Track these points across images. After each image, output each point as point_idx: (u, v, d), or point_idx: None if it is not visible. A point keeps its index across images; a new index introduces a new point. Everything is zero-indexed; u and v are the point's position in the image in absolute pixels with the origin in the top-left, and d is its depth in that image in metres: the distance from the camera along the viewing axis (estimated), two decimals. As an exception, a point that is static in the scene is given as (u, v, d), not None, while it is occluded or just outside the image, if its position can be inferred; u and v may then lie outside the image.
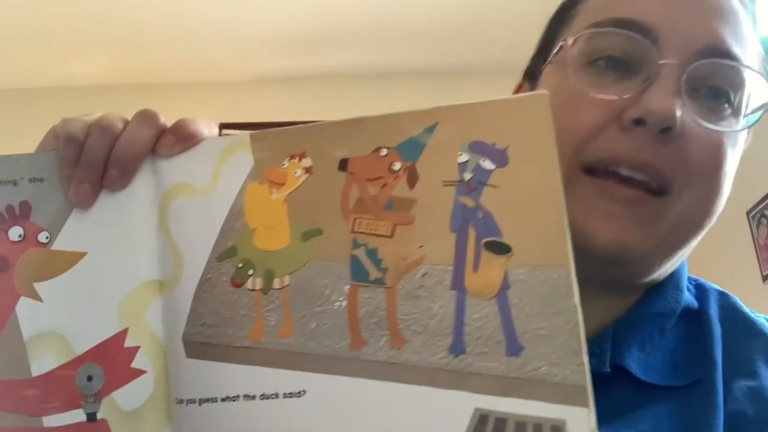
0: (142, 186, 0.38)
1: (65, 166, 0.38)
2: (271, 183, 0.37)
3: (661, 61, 0.44)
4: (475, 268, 0.33)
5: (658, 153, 0.44)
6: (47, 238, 0.38)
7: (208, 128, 0.39)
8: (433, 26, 2.42)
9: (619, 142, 0.44)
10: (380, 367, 0.33)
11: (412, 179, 0.35)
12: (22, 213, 0.38)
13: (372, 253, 0.35)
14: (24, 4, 2.26)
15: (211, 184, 0.38)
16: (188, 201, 0.38)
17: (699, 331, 0.49)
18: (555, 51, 0.49)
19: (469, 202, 0.34)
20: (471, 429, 0.32)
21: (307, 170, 0.36)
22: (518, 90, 0.55)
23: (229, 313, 0.36)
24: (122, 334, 0.37)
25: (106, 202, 0.38)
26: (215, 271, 0.37)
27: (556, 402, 0.31)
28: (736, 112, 0.46)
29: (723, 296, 0.52)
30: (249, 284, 0.36)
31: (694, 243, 0.49)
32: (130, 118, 0.39)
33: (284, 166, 0.37)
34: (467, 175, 0.34)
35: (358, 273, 0.35)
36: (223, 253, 0.37)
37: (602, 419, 0.37)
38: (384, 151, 0.35)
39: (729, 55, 0.45)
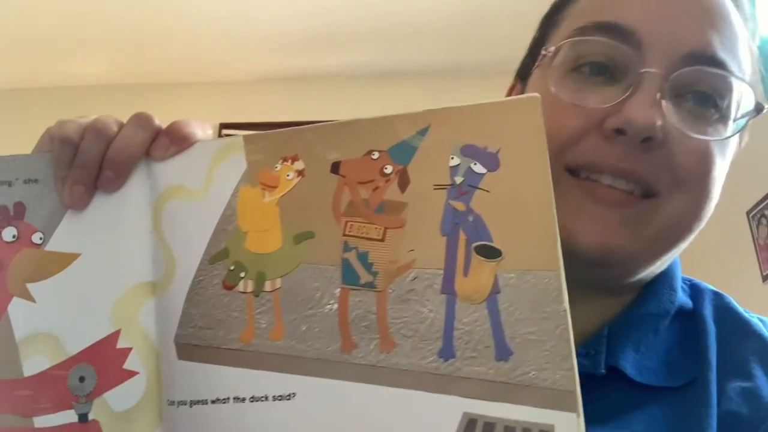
0: (137, 188, 0.38)
1: (60, 168, 0.38)
2: (263, 186, 0.37)
3: (643, 69, 0.44)
4: (466, 272, 0.33)
5: (640, 161, 0.43)
6: (41, 239, 0.38)
7: (201, 130, 0.40)
8: (433, 26, 2.42)
9: (601, 149, 0.44)
10: (370, 370, 0.33)
11: (404, 183, 0.35)
12: (16, 214, 0.38)
13: (363, 257, 0.35)
14: (24, 4, 2.26)
15: (204, 186, 0.38)
16: (182, 203, 0.38)
17: (693, 331, 0.49)
18: (540, 57, 0.49)
19: (459, 205, 0.34)
20: None
21: (300, 173, 0.36)
22: (511, 91, 0.55)
23: (220, 316, 0.36)
24: (115, 336, 0.37)
25: (100, 203, 0.38)
26: (207, 274, 0.37)
27: (544, 407, 0.31)
28: (723, 118, 0.46)
29: (717, 296, 0.52)
30: (240, 287, 0.36)
31: (683, 246, 0.49)
32: (127, 120, 0.39)
33: (277, 169, 0.37)
34: (458, 179, 0.34)
35: (348, 276, 0.35)
36: (215, 255, 0.37)
37: (597, 420, 0.37)
38: (376, 154, 0.35)
39: (714, 61, 0.45)
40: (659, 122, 0.43)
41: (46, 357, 0.36)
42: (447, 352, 0.33)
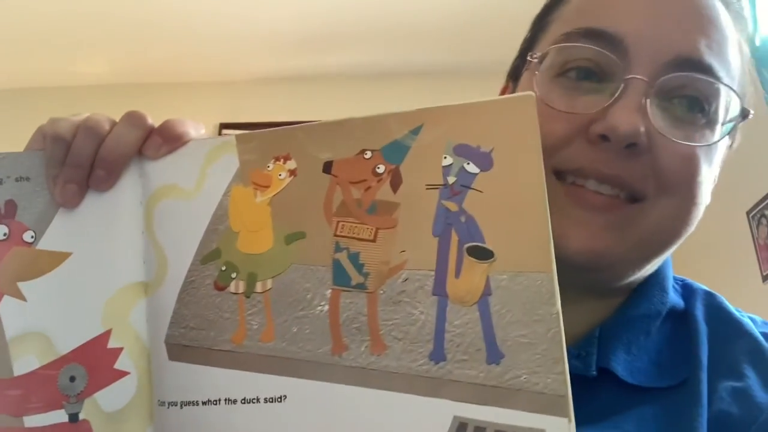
0: (129, 187, 0.38)
1: (52, 166, 0.38)
2: (255, 185, 0.37)
3: (629, 76, 0.44)
4: (457, 273, 0.33)
5: (625, 167, 0.44)
6: (32, 237, 0.38)
7: (194, 129, 0.39)
8: (433, 26, 2.42)
9: (587, 154, 0.44)
10: (360, 373, 0.33)
11: (396, 182, 0.34)
12: (7, 212, 0.38)
13: (354, 258, 0.34)
14: (24, 4, 2.26)
15: (196, 185, 0.38)
16: (174, 203, 0.38)
17: (685, 331, 0.49)
18: (527, 62, 0.49)
19: (452, 206, 0.33)
20: None
21: (292, 172, 0.36)
22: (503, 92, 0.55)
23: (212, 317, 0.36)
24: (106, 335, 0.37)
25: (92, 202, 0.38)
26: (199, 274, 0.37)
27: (535, 411, 0.30)
28: (711, 122, 0.45)
29: (709, 296, 0.52)
30: (232, 287, 0.36)
31: (671, 250, 0.48)
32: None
33: (269, 169, 0.36)
34: (451, 179, 0.34)
35: (339, 277, 0.34)
36: (206, 255, 0.37)
37: (588, 421, 0.37)
38: (368, 154, 0.35)
39: (701, 65, 0.44)
40: (642, 128, 0.43)
41: (37, 356, 0.36)
42: (438, 355, 0.32)
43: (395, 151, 0.35)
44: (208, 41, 2.51)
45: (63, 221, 0.38)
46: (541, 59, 0.47)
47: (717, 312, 0.50)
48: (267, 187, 0.36)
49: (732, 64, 0.47)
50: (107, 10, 2.30)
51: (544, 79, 0.47)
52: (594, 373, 0.45)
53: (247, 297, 0.36)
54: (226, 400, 0.35)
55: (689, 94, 0.45)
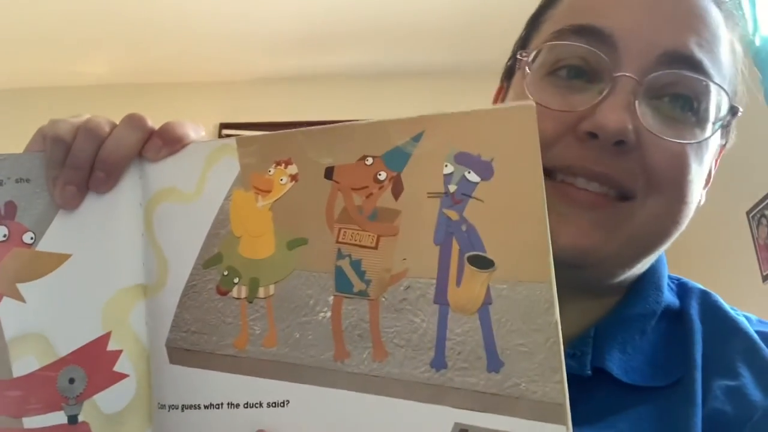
0: (129, 189, 0.38)
1: (52, 168, 0.38)
2: (257, 190, 0.36)
3: (618, 73, 0.44)
4: (458, 282, 0.33)
5: (614, 164, 0.44)
6: (32, 238, 0.38)
7: (195, 131, 0.39)
8: (433, 26, 2.42)
9: (576, 152, 0.44)
10: (363, 379, 0.33)
11: (397, 190, 0.34)
12: (7, 213, 0.38)
13: (356, 264, 0.34)
14: (25, 4, 2.26)
15: (197, 189, 0.37)
16: (174, 206, 0.38)
17: (680, 330, 0.49)
18: (517, 63, 0.49)
19: (453, 214, 0.33)
20: None
21: (293, 177, 0.36)
22: (499, 92, 0.55)
23: (214, 321, 0.36)
24: (105, 338, 0.37)
25: (91, 204, 0.38)
26: (201, 278, 0.37)
27: (534, 419, 0.31)
28: (701, 120, 0.45)
29: (705, 295, 0.52)
30: (234, 292, 0.36)
31: (662, 248, 0.48)
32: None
33: (270, 173, 0.36)
34: (452, 187, 0.33)
35: (342, 284, 0.34)
36: (208, 260, 0.37)
37: (584, 421, 0.37)
38: (370, 160, 0.35)
39: (691, 62, 0.44)
40: (630, 125, 0.43)
41: (36, 358, 0.36)
42: (439, 363, 0.32)
43: (396, 158, 0.35)
44: (208, 41, 2.51)
45: (63, 223, 0.38)
46: (534, 58, 0.48)
47: (712, 311, 0.50)
48: (268, 191, 0.36)
49: (723, 63, 0.47)
50: (108, 10, 2.30)
51: (535, 77, 0.47)
52: (589, 372, 0.45)
53: (250, 302, 0.36)
54: (228, 404, 0.35)
55: (679, 92, 0.45)
